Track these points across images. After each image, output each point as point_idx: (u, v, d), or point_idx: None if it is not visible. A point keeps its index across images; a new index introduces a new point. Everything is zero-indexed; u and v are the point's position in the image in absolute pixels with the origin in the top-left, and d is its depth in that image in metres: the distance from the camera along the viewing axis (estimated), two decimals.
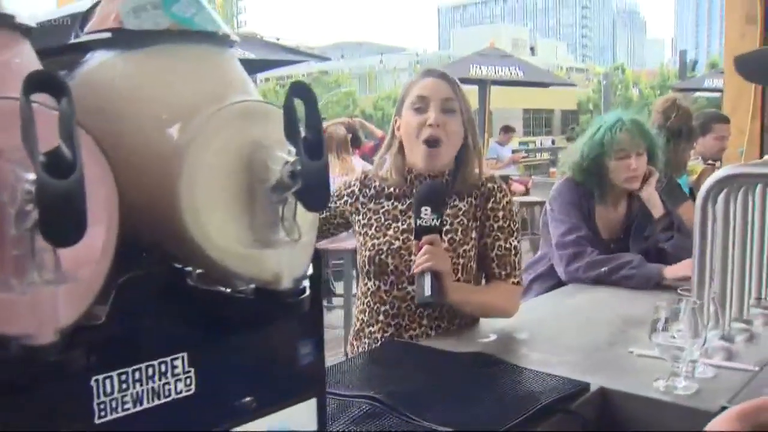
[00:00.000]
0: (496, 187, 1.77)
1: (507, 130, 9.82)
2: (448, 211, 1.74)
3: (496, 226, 1.75)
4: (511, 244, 1.75)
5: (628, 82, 49.03)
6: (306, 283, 0.70)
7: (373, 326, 1.78)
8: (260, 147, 0.64)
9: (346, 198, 1.87)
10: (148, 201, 0.63)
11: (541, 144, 32.31)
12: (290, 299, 0.67)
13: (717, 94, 10.97)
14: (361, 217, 1.82)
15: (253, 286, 0.67)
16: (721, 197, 1.56)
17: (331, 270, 5.76)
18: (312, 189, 0.61)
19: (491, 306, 1.74)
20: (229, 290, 0.67)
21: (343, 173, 5.23)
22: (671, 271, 2.16)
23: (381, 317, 1.76)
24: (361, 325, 1.81)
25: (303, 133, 0.64)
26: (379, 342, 1.75)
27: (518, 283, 1.76)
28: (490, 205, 1.76)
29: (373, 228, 1.77)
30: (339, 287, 5.37)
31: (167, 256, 0.68)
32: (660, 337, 1.32)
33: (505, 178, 7.70)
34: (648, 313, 1.37)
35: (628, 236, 2.46)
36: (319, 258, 0.74)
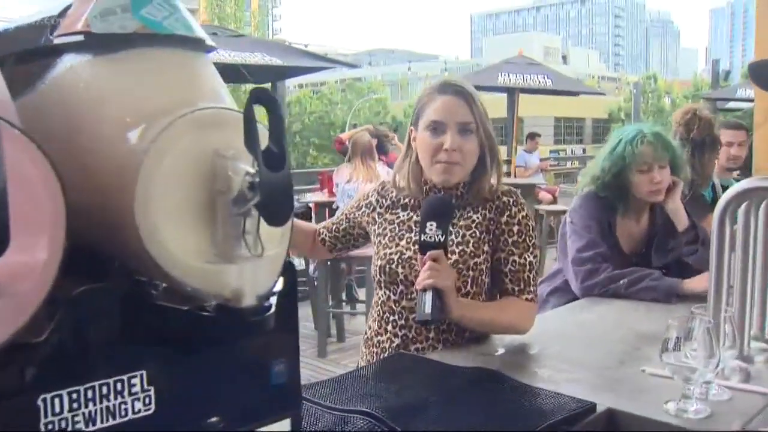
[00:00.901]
0: (511, 201, 1.71)
1: (533, 137, 9.72)
2: (461, 222, 1.70)
3: (510, 240, 1.69)
4: (525, 259, 1.69)
5: (661, 92, 48.39)
6: (272, 300, 0.66)
7: (381, 335, 1.75)
8: (222, 157, 0.60)
9: (364, 209, 1.87)
10: (105, 210, 0.60)
11: (571, 152, 32.07)
12: (253, 317, 0.63)
13: (750, 105, 10.76)
14: (377, 227, 1.81)
15: (214, 303, 0.63)
16: (741, 210, 1.50)
17: (354, 276, 5.76)
18: (272, 202, 0.57)
19: (502, 323, 1.68)
20: (188, 307, 0.63)
21: (368, 180, 5.21)
22: (689, 285, 2.10)
23: (389, 327, 1.73)
24: (371, 333, 1.80)
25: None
26: (387, 352, 1.72)
27: (532, 299, 1.70)
28: (504, 219, 1.70)
29: (387, 237, 1.76)
30: (362, 293, 5.36)
31: (128, 268, 0.65)
32: (671, 357, 1.27)
33: (532, 186, 7.64)
34: (664, 330, 1.32)
35: (650, 250, 2.39)
36: (292, 272, 0.70)
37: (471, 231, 1.69)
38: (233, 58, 5.31)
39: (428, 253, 1.53)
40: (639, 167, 2.30)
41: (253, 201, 0.57)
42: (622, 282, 2.15)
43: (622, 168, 2.31)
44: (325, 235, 1.96)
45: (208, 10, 25.57)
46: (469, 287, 1.67)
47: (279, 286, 0.68)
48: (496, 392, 1.33)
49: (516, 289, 1.68)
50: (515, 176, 8.70)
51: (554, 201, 9.04)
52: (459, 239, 1.69)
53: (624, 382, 1.44)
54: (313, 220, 5.89)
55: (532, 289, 1.69)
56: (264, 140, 0.59)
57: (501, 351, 1.62)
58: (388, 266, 1.71)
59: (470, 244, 1.68)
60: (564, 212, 2.50)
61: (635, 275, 2.16)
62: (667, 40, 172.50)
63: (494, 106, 10.01)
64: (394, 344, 1.72)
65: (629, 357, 1.58)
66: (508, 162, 9.10)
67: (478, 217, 1.71)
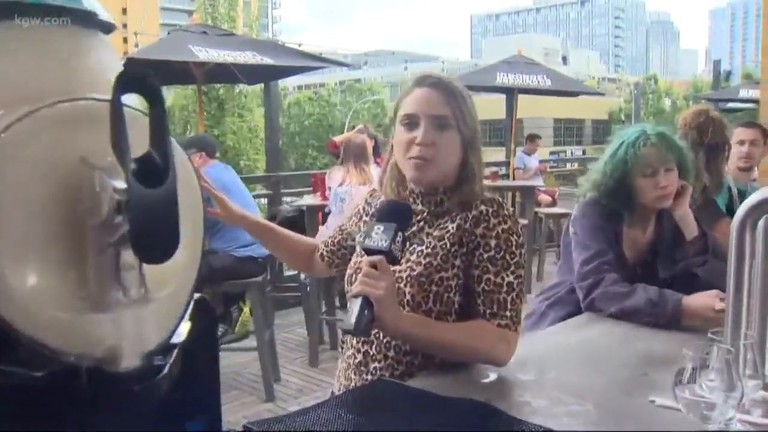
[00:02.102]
0: (490, 211, 1.51)
1: (533, 138, 9.54)
2: (436, 232, 1.54)
3: (486, 256, 1.49)
4: (503, 279, 1.48)
5: (661, 93, 48.27)
6: (167, 358, 0.49)
7: (348, 350, 1.61)
8: (90, 166, 0.44)
9: (353, 218, 1.76)
10: None
11: (571, 154, 31.95)
12: (136, 383, 0.46)
13: (752, 105, 10.60)
14: None
15: (83, 365, 0.47)
16: (761, 224, 1.33)
17: None
18: (144, 230, 0.41)
19: (464, 347, 1.47)
20: (43, 372, 0.47)
21: (361, 183, 5.05)
22: (689, 310, 1.87)
23: (354, 341, 1.58)
24: (341, 347, 1.67)
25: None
26: (351, 369, 1.58)
27: (506, 326, 1.47)
28: (480, 230, 1.50)
29: None
30: None
31: None
32: (686, 391, 1.11)
33: (532, 189, 7.46)
34: (674, 350, 1.15)
35: (656, 259, 2.22)
36: (206, 312, 0.54)
37: (443, 242, 1.52)
38: (223, 58, 5.15)
39: (367, 258, 1.39)
40: (643, 171, 2.13)
41: (122, 227, 0.41)
42: (612, 311, 1.96)
43: (624, 172, 2.14)
44: (323, 250, 1.84)
45: (201, 11, 25.40)
46: (431, 304, 1.50)
47: (181, 335, 0.51)
48: (487, 429, 1.16)
49: (487, 311, 1.48)
50: (514, 178, 8.54)
51: (554, 203, 8.87)
52: (429, 250, 1.52)
53: (631, 415, 1.27)
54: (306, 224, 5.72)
55: (508, 314, 1.48)
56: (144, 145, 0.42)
57: (492, 377, 1.45)
58: (355, 275, 1.56)
59: (438, 256, 1.51)
60: (564, 215, 2.33)
61: (625, 305, 1.94)
62: (667, 41, 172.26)
63: (493, 107, 9.92)
64: (356, 360, 1.57)
65: (636, 385, 1.42)
66: (507, 164, 8.93)
67: (452, 227, 1.53)
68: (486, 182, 5.89)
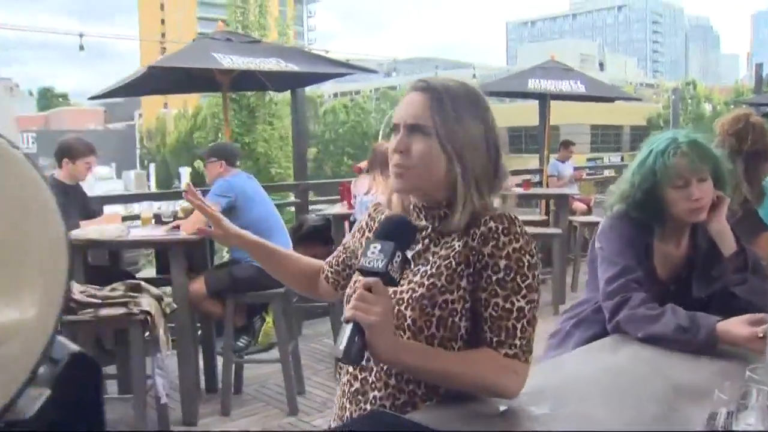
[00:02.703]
0: (501, 228, 1.36)
1: (566, 145, 9.32)
2: (442, 251, 1.40)
3: (494, 278, 1.35)
4: (513, 304, 1.34)
5: (700, 98, 47.32)
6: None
7: (343, 377, 1.49)
8: None
9: (357, 234, 1.65)
10: None
11: (609, 161, 31.44)
12: None
13: None
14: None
15: None
16: None
17: None
18: None
19: (467, 379, 1.34)
20: None
21: (386, 192, 4.94)
22: (725, 337, 1.68)
23: (350, 367, 1.45)
24: (338, 373, 1.55)
25: None
26: (346, 396, 1.46)
27: (515, 356, 1.34)
28: (488, 249, 1.35)
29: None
30: None
31: None
32: None
33: (566, 197, 7.27)
34: (708, 381, 1.01)
35: (691, 275, 2.05)
36: (91, 371, 0.42)
37: (447, 261, 1.38)
38: (247, 65, 5.07)
39: (362, 280, 1.26)
40: (673, 182, 1.96)
41: None
42: (638, 335, 1.79)
43: (653, 183, 1.97)
44: (328, 271, 1.72)
45: (232, 19, 25.61)
46: (434, 329, 1.36)
47: (37, 402, 0.39)
48: None
49: (494, 339, 1.34)
50: (547, 186, 8.34)
51: (589, 211, 8.66)
52: (433, 270, 1.39)
53: None
54: (332, 233, 5.62)
55: (517, 342, 1.34)
56: None
57: (502, 410, 1.31)
58: (353, 294, 1.44)
59: (443, 277, 1.37)
60: (599, 223, 2.16)
61: (652, 329, 1.77)
62: (707, 45, 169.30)
63: (529, 113, 9.70)
64: (353, 388, 1.44)
65: (666, 422, 1.26)
66: (540, 172, 8.75)
67: (459, 245, 1.39)
68: (518, 190, 5.71)
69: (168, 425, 3.82)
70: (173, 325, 4.00)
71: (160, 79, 5.66)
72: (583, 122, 39.45)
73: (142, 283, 3.72)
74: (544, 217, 8.33)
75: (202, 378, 4.49)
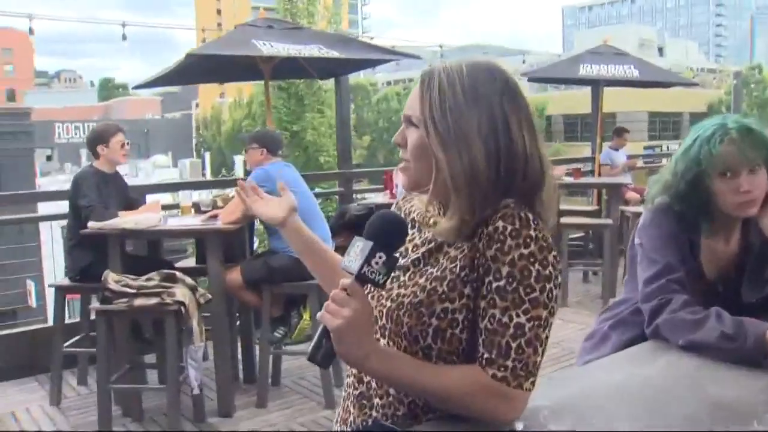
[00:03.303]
0: (509, 229, 1.18)
1: (620, 132, 8.98)
2: (452, 252, 1.26)
3: (494, 286, 1.18)
4: (511, 318, 1.16)
5: (766, 83, 45.51)
6: None
7: (348, 378, 1.38)
8: None
9: None
10: None
11: (668, 149, 30.57)
12: None
13: None
14: None
15: None
16: None
17: None
18: None
19: (450, 398, 1.19)
20: None
21: None
22: None
23: (354, 369, 1.33)
24: (346, 374, 1.42)
25: None
26: (351, 399, 1.35)
27: (503, 379, 1.16)
28: (491, 252, 1.18)
29: None
30: None
31: None
32: None
33: (618, 186, 7.01)
34: (753, 398, 0.87)
35: (741, 276, 1.87)
36: None
37: (452, 266, 1.24)
38: (287, 51, 4.99)
39: (341, 281, 1.15)
40: (719, 173, 1.78)
41: None
42: (679, 342, 1.63)
43: (698, 174, 1.79)
44: None
45: (280, 7, 25.66)
46: (430, 340, 1.23)
47: None
48: None
49: (485, 356, 1.18)
50: (599, 175, 8.07)
51: (643, 201, 8.36)
52: (438, 273, 1.25)
53: None
54: None
55: (509, 364, 1.16)
56: None
57: (519, 427, 1.18)
58: None
59: (444, 283, 1.22)
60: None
61: (695, 336, 1.61)
62: None
63: (583, 100, 9.35)
64: (357, 392, 1.33)
65: None
66: (592, 160, 8.48)
67: (466, 247, 1.23)
68: (568, 179, 5.49)
69: (203, 416, 3.81)
70: (209, 314, 3.97)
71: (202, 68, 5.63)
72: (640, 109, 38.46)
73: (178, 273, 3.70)
74: (596, 207, 8.09)
75: (241, 368, 4.47)
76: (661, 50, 74.13)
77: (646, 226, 1.88)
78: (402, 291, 1.27)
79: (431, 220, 1.33)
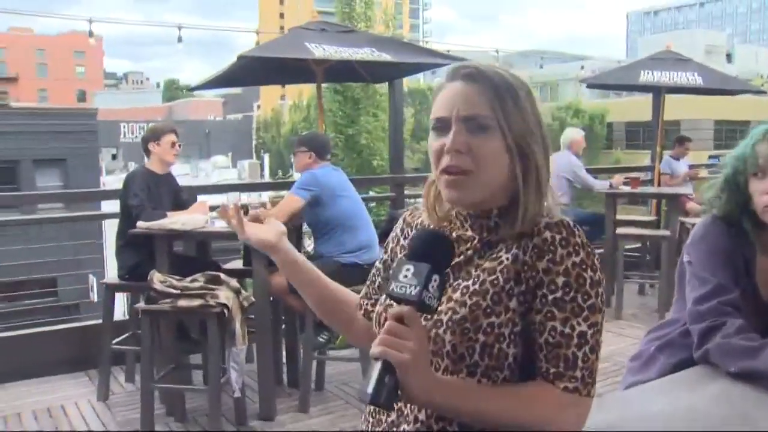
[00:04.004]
0: (558, 238, 1.16)
1: (681, 141, 8.67)
2: (487, 264, 1.19)
3: (551, 298, 1.14)
4: (573, 328, 1.14)
5: None
6: None
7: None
8: None
9: (390, 244, 1.44)
10: None
11: None
12: None
13: None
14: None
15: None
16: None
17: None
18: None
19: (519, 420, 1.13)
20: None
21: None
22: None
23: None
24: None
25: None
26: (382, 424, 1.25)
27: (576, 389, 1.13)
28: (543, 264, 1.15)
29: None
30: None
31: None
32: None
33: (677, 196, 6.78)
34: None
35: None
36: None
37: (494, 277, 1.18)
38: (339, 54, 4.97)
39: (391, 311, 1.07)
40: (753, 173, 1.67)
41: None
42: (731, 370, 1.51)
43: (738, 173, 1.68)
44: (366, 304, 1.47)
45: (338, 10, 25.80)
46: (477, 357, 1.16)
47: None
48: None
49: (551, 371, 1.14)
50: (658, 184, 7.82)
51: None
52: (477, 287, 1.18)
53: None
54: None
55: (578, 374, 1.14)
56: None
57: None
58: (381, 317, 1.27)
59: (488, 296, 1.17)
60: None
61: (748, 363, 1.48)
62: None
63: (645, 107, 8.97)
64: (389, 419, 1.25)
65: None
66: (652, 169, 8.23)
67: (507, 259, 1.18)
68: (625, 188, 5.30)
69: (245, 418, 3.80)
70: (253, 317, 3.97)
71: (256, 70, 5.67)
72: (705, 117, 37.34)
73: (222, 275, 3.70)
74: (654, 218, 7.85)
75: (285, 372, 4.46)
76: (729, 56, 71.99)
77: (696, 241, 1.77)
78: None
79: (453, 234, 1.26)
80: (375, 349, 1.05)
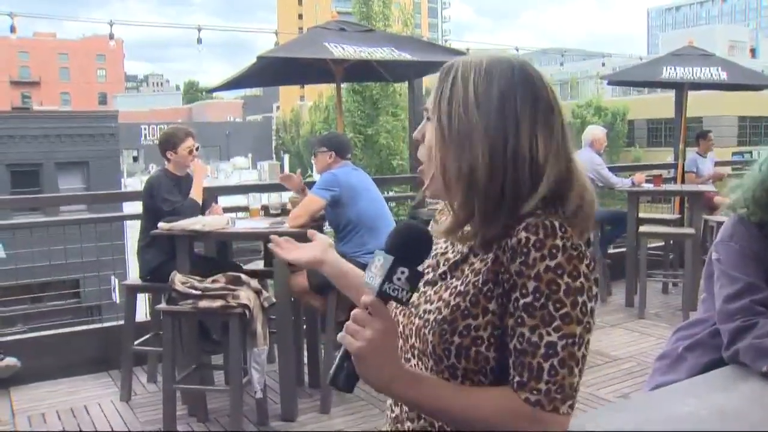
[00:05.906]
0: (532, 240, 1.07)
1: (704, 135, 8.35)
2: (476, 265, 1.16)
3: (521, 303, 1.07)
4: (541, 337, 1.05)
5: None
6: None
7: (388, 400, 1.27)
8: None
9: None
10: None
11: (758, 155, 29.26)
12: None
13: None
14: None
15: None
16: None
17: None
18: None
19: (479, 425, 1.08)
20: None
21: None
22: None
23: None
24: None
25: None
26: (388, 421, 1.26)
27: (537, 403, 1.05)
28: (515, 267, 1.08)
29: None
30: None
31: None
32: None
33: (700, 194, 6.66)
34: None
35: None
36: None
37: (475, 279, 1.13)
38: (359, 54, 4.96)
39: (362, 298, 1.05)
40: None
41: None
42: (765, 369, 1.46)
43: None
44: None
45: (355, 10, 25.81)
46: (453, 359, 1.12)
47: None
48: None
49: (516, 379, 1.07)
50: (682, 182, 7.70)
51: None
52: (462, 287, 1.14)
53: None
54: None
55: (542, 387, 1.05)
56: None
57: None
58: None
59: (467, 298, 1.12)
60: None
61: None
62: None
63: (668, 104, 8.82)
64: (393, 414, 1.24)
65: None
66: (675, 166, 8.12)
67: (489, 259, 1.13)
68: (647, 186, 5.21)
69: (266, 419, 3.80)
70: (274, 318, 3.97)
71: (275, 70, 5.67)
72: (729, 113, 36.90)
73: (243, 276, 3.70)
74: (678, 216, 7.75)
75: (306, 373, 4.46)
76: (753, 51, 71.12)
77: (725, 240, 1.73)
78: (428, 307, 1.18)
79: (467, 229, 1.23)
80: (338, 335, 1.06)
